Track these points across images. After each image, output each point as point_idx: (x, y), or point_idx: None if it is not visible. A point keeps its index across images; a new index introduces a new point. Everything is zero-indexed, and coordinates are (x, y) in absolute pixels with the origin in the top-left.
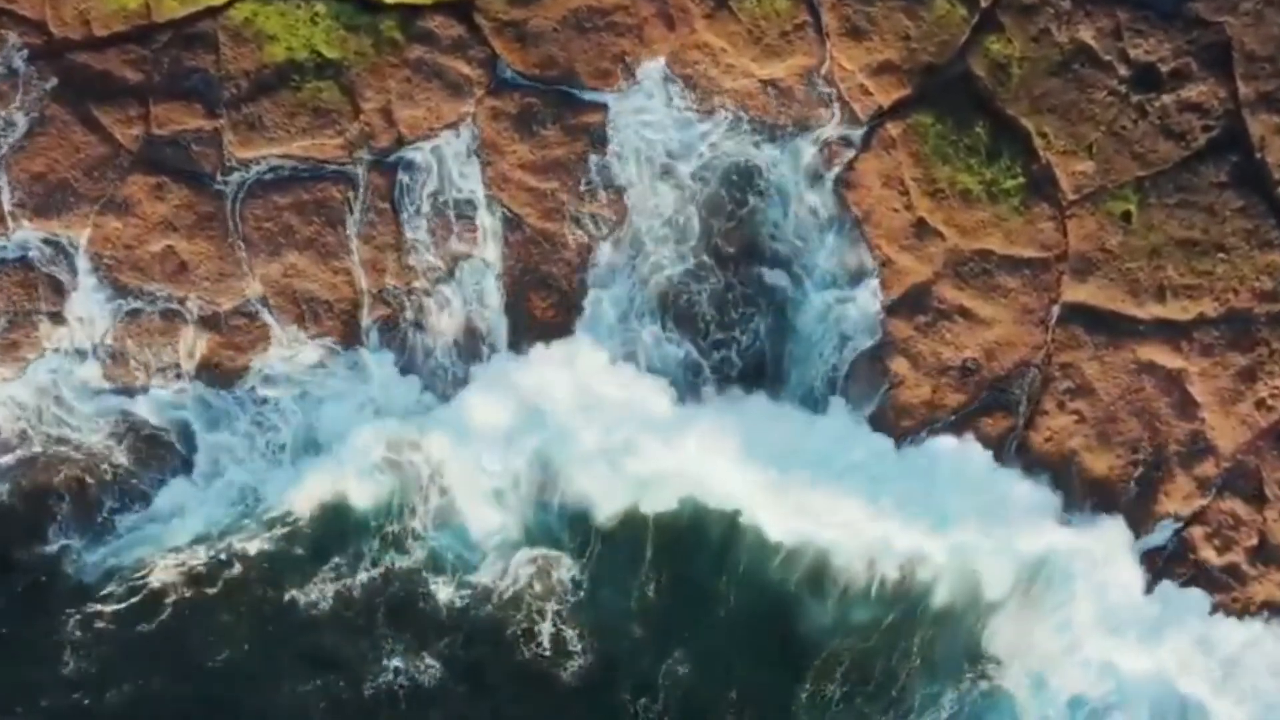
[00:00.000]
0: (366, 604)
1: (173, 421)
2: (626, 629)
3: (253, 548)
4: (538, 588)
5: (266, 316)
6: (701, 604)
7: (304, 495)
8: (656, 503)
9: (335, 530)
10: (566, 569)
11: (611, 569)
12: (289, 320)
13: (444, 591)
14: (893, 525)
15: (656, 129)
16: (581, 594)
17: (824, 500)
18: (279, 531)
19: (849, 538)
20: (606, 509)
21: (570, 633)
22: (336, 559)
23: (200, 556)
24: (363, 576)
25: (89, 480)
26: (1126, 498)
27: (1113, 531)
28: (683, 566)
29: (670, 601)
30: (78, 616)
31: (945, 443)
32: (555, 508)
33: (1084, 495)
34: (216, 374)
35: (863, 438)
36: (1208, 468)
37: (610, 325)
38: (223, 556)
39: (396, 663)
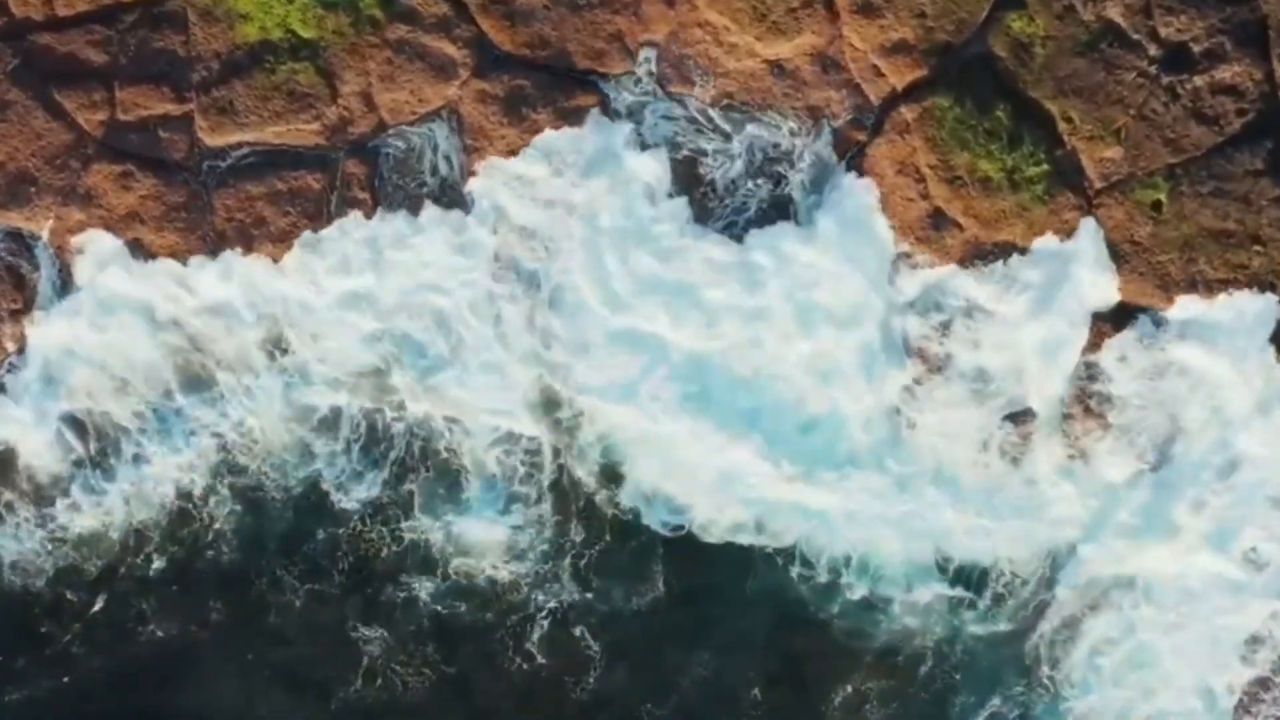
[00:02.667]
0: (343, 600)
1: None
2: (637, 631)
3: (219, 534)
4: (537, 585)
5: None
6: (717, 606)
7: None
8: None
9: (311, 512)
10: (572, 563)
11: (622, 565)
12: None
13: (431, 588)
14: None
15: (655, 112)
16: (590, 593)
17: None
18: (248, 512)
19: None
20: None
21: (575, 635)
22: (311, 547)
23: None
24: (340, 568)
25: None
26: None
27: None
28: (698, 565)
29: (685, 604)
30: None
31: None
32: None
33: None
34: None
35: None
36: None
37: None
38: (191, 542)
39: (374, 657)
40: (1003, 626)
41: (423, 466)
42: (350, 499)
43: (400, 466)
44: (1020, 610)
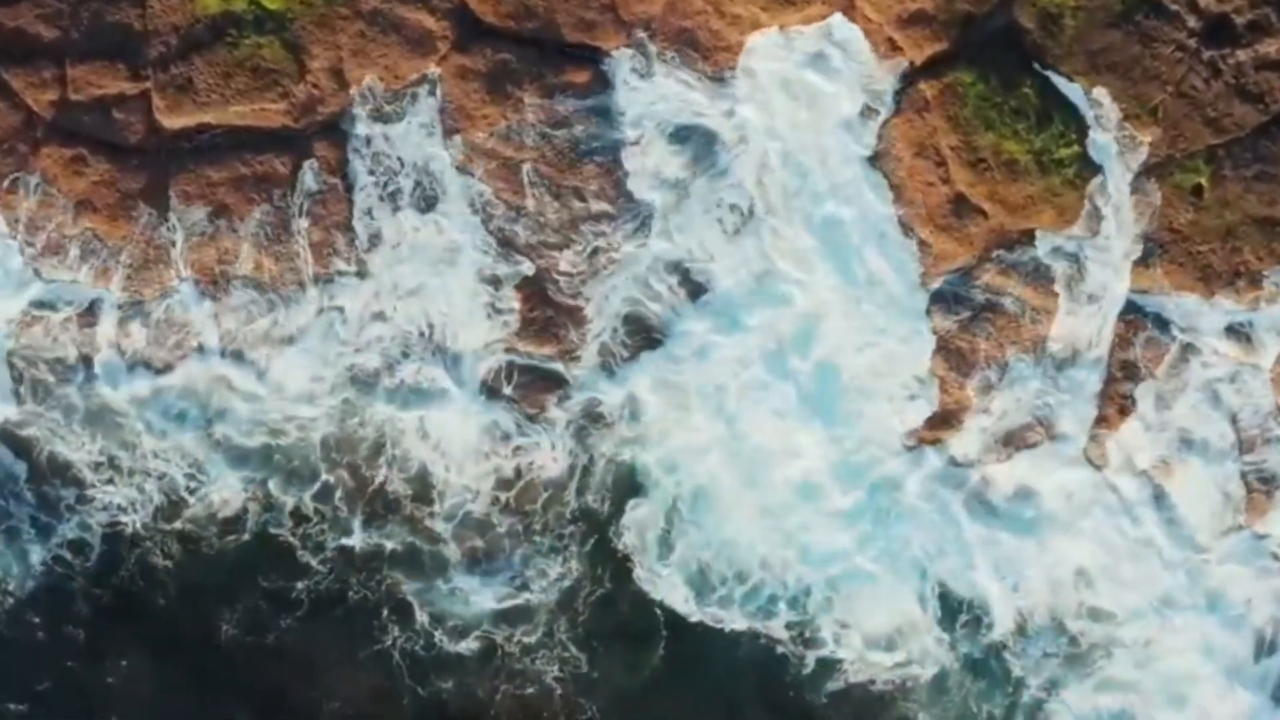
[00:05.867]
0: (301, 657)
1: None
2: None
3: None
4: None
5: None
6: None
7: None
8: None
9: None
10: (566, 630)
11: (618, 637)
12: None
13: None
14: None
15: (652, 92)
16: (584, 666)
17: None
18: (196, 547)
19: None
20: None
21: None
22: (266, 589)
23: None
24: (297, 615)
25: None
26: None
27: None
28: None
29: (680, 680)
30: None
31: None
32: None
33: None
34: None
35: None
36: None
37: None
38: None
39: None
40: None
41: (402, 510)
42: (319, 551)
43: (379, 507)
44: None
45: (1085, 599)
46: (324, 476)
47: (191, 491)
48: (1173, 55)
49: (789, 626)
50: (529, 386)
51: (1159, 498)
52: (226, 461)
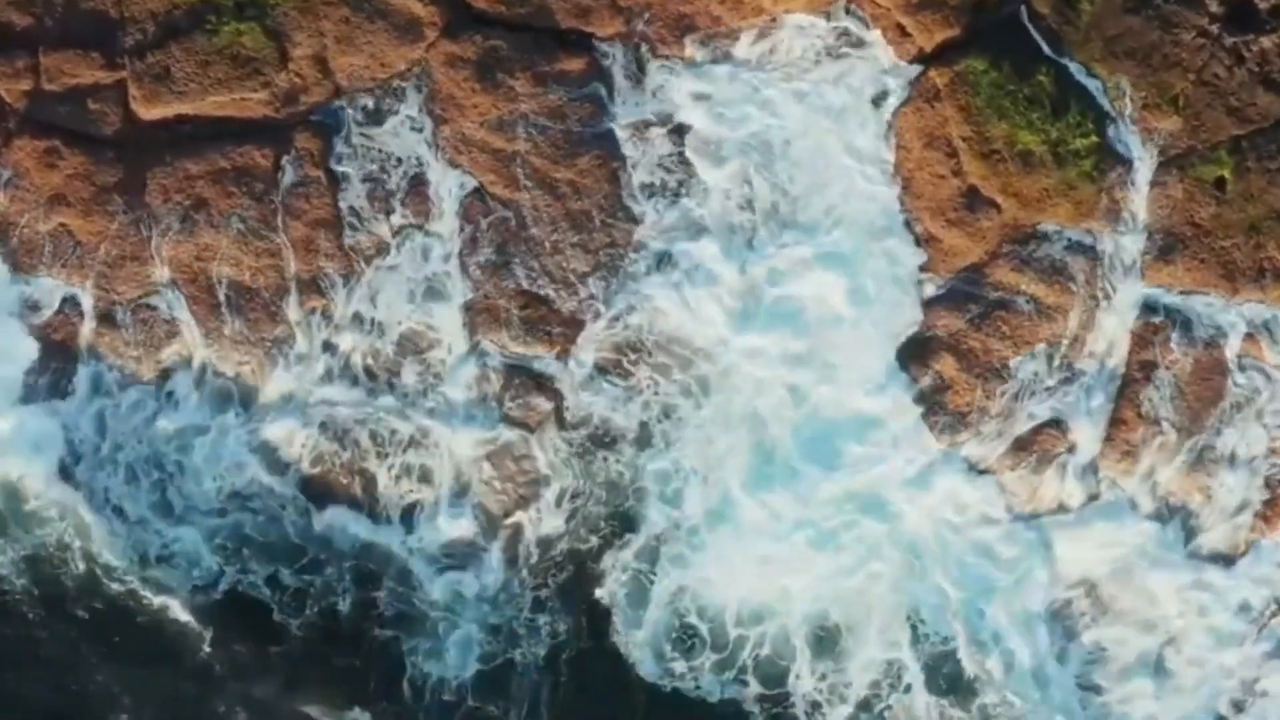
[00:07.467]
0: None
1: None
2: None
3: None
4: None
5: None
6: None
7: None
8: None
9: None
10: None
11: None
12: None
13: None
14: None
15: (649, 82)
16: None
17: None
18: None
19: None
20: None
21: None
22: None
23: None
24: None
25: None
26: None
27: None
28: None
29: None
30: None
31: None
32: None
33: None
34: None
35: None
36: None
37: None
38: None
39: None
40: None
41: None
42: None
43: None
44: None
45: (1096, 618)
46: (309, 552)
47: (163, 559)
48: (1194, 42)
49: (760, 700)
50: (526, 391)
51: (1176, 504)
52: (200, 530)
